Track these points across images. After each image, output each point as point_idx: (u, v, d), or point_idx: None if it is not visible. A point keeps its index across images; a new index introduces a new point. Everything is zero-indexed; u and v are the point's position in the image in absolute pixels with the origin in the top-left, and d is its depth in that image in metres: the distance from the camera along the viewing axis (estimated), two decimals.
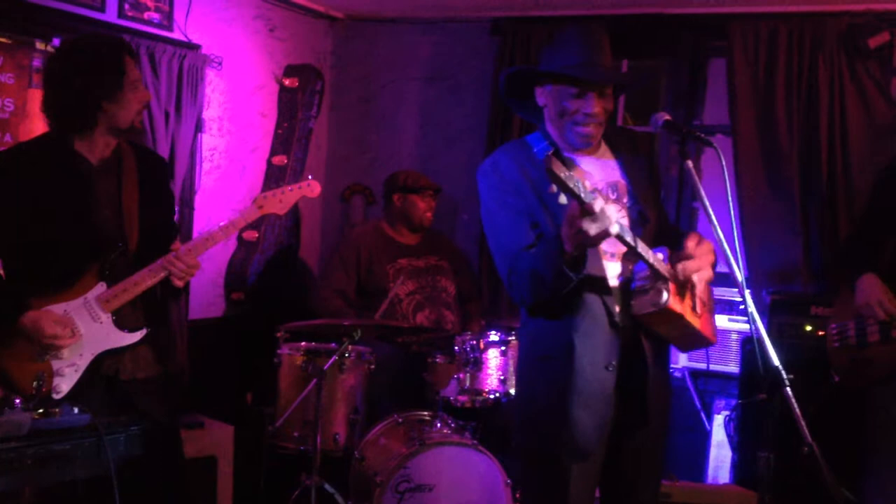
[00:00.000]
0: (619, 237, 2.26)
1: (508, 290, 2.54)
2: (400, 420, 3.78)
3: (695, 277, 2.44)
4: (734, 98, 4.36)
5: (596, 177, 2.54)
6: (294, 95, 5.08)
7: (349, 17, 5.31)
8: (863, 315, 3.18)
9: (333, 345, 3.77)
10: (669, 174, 4.76)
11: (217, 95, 4.63)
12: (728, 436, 4.21)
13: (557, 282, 2.33)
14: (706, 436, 4.42)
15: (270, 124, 5.00)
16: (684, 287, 2.45)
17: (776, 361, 2.13)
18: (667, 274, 2.40)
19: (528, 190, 2.49)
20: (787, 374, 2.13)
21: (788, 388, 2.10)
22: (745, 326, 4.26)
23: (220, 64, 4.57)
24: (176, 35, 4.30)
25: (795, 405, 2.08)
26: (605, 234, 2.17)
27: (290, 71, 5.06)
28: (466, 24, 5.07)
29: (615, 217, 2.16)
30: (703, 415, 4.50)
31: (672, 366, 4.55)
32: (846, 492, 3.29)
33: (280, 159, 5.00)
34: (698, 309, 2.52)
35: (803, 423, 2.06)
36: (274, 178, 4.98)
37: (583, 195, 2.11)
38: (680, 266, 2.42)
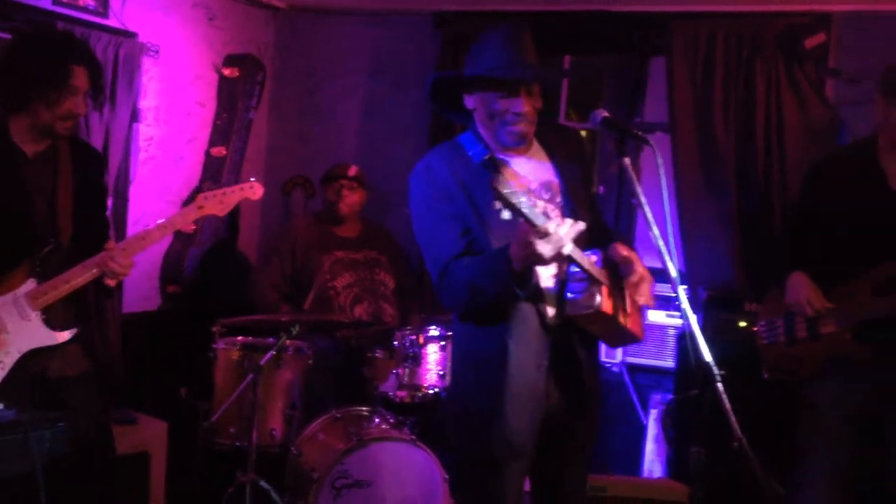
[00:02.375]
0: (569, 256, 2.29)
1: (438, 294, 2.55)
2: (338, 415, 3.76)
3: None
4: (673, 96, 4.40)
5: (529, 177, 2.55)
6: (234, 86, 5.01)
7: (291, 8, 5.25)
8: (791, 312, 3.24)
9: (271, 339, 3.72)
10: (610, 170, 4.80)
11: (154, 84, 4.54)
12: (663, 430, 4.27)
13: (502, 297, 2.37)
14: (642, 430, 4.47)
15: (209, 115, 4.93)
16: (616, 288, 2.50)
17: (708, 357, 2.15)
18: (600, 277, 2.44)
19: (460, 194, 2.49)
20: (720, 369, 2.15)
21: (720, 384, 2.12)
22: (682, 322, 4.31)
23: (157, 52, 4.48)
24: (112, 22, 4.21)
25: (726, 400, 2.10)
26: (558, 256, 2.21)
27: (230, 61, 4.98)
28: (410, 18, 5.04)
29: (567, 237, 2.19)
30: (639, 409, 4.55)
31: (610, 360, 4.61)
32: (776, 485, 3.37)
33: (219, 150, 4.93)
34: (628, 309, 2.57)
35: (733, 417, 2.08)
36: (212, 169, 4.91)
37: (534, 218, 2.13)
38: (640, 296, 2.50)
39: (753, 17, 4.31)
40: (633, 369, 4.62)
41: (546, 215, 2.19)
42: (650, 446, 4.39)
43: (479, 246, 2.47)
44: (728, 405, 2.10)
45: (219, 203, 2.95)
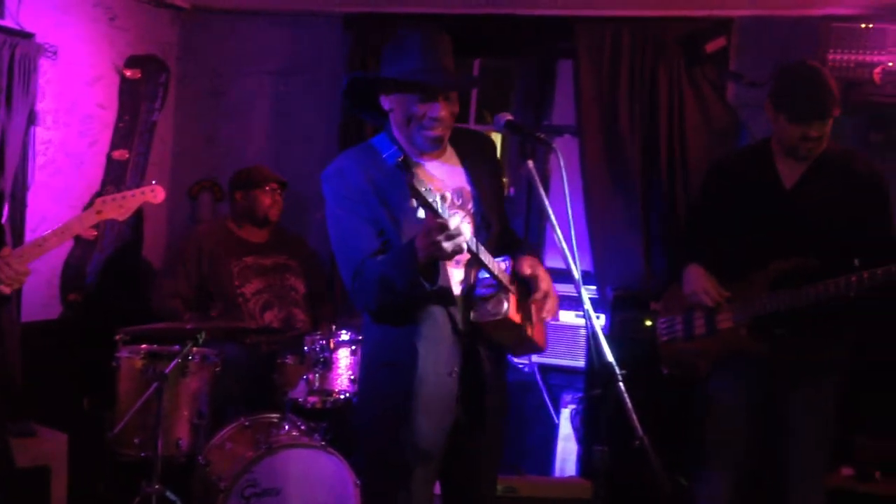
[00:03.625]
0: (471, 251, 2.31)
1: (352, 296, 2.53)
2: (247, 423, 3.70)
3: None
4: (580, 99, 4.45)
5: (442, 182, 2.54)
6: (136, 87, 4.89)
7: (195, 8, 5.14)
8: (691, 309, 3.32)
9: (177, 347, 3.64)
10: (519, 173, 4.83)
11: (52, 86, 4.39)
12: (574, 429, 4.32)
13: (409, 290, 2.35)
14: (554, 429, 4.52)
15: (110, 117, 4.79)
16: (523, 298, 2.52)
17: (610, 356, 2.18)
18: (509, 285, 2.45)
19: (373, 197, 2.48)
20: (626, 368, 2.18)
21: (621, 383, 2.15)
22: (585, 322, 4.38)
23: (55, 53, 4.34)
24: (7, 23, 4.05)
25: (627, 399, 2.13)
26: (458, 251, 2.22)
27: (132, 62, 4.86)
28: (319, 19, 4.99)
29: (468, 233, 2.21)
30: (551, 408, 4.60)
31: (521, 361, 4.65)
32: (681, 479, 3.44)
33: (121, 154, 4.80)
34: (533, 318, 2.59)
35: (634, 416, 2.11)
36: (114, 173, 4.78)
37: (440, 210, 2.14)
38: (545, 312, 2.54)
39: (657, 21, 4.39)
40: (545, 369, 4.67)
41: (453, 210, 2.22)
42: (562, 445, 4.44)
43: (393, 247, 2.46)
44: (629, 404, 2.13)
45: (118, 207, 2.90)
